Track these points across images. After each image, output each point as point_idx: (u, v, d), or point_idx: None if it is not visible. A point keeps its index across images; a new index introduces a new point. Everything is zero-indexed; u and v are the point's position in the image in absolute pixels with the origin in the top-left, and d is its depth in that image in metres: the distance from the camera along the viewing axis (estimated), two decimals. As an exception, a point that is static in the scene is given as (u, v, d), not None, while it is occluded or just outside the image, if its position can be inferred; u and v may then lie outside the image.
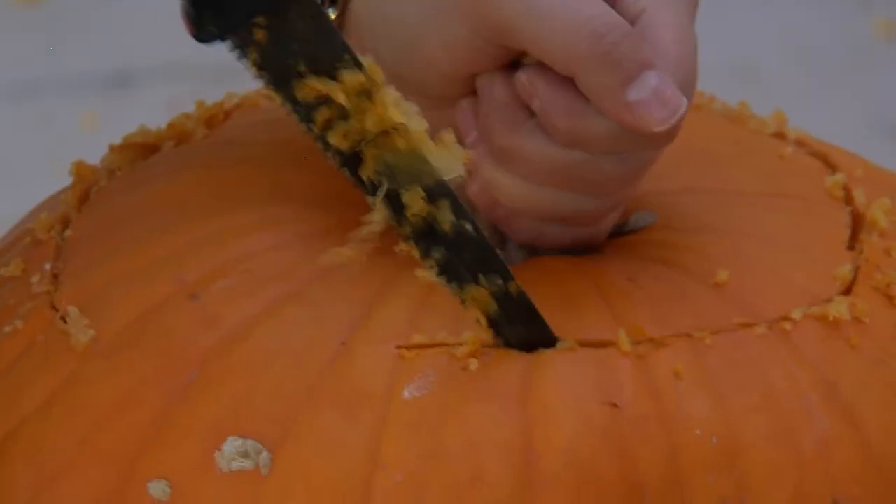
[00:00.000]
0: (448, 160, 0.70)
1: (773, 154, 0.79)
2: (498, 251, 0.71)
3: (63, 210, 0.76)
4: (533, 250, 0.73)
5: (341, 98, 0.72)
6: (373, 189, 0.71)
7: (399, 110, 0.70)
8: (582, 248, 0.72)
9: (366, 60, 0.72)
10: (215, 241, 0.70)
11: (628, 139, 0.70)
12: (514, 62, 0.71)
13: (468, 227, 0.70)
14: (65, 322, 0.68)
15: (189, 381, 0.65)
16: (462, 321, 0.66)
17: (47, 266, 0.72)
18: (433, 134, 0.71)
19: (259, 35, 0.73)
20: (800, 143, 0.78)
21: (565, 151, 0.70)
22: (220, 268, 0.68)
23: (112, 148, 0.77)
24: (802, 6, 1.71)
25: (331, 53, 0.73)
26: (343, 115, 0.72)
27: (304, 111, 0.72)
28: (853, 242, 0.70)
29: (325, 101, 0.73)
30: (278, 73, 0.73)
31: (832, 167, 0.76)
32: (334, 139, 0.71)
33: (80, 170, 0.77)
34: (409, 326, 0.65)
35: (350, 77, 0.72)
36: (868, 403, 0.66)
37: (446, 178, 0.70)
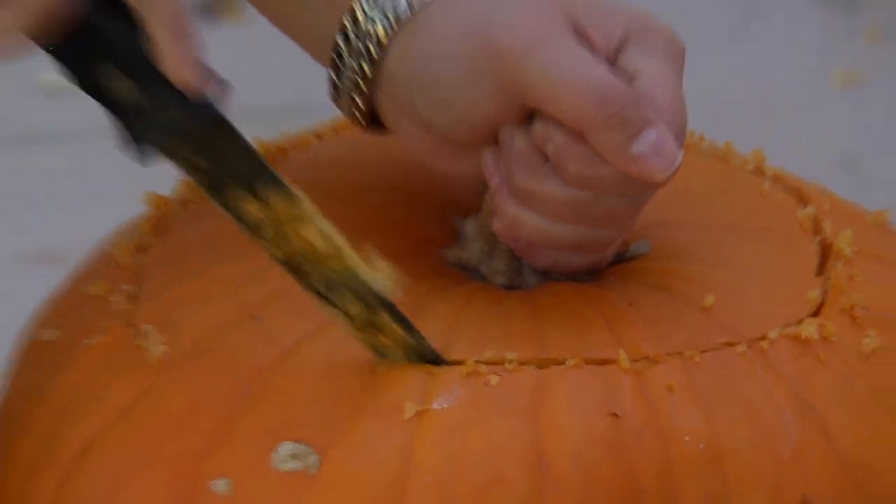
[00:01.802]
0: (381, 280, 0.70)
1: (754, 190, 0.79)
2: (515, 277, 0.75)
3: (140, 237, 0.75)
4: (545, 275, 0.72)
5: (268, 222, 0.72)
6: (317, 293, 0.71)
7: (327, 241, 0.70)
8: (588, 273, 0.72)
9: (297, 190, 0.71)
10: (275, 267, 0.70)
11: (632, 183, 0.70)
12: (530, 115, 0.72)
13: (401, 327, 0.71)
14: (141, 338, 0.68)
15: (249, 392, 0.64)
16: (484, 342, 0.65)
17: (126, 287, 0.71)
18: (457, 173, 0.76)
19: (187, 154, 0.73)
20: (776, 178, 0.79)
21: (576, 192, 0.70)
22: (279, 291, 0.68)
23: (184, 181, 0.77)
24: (773, 60, 1.68)
25: (256, 175, 0.73)
26: (274, 233, 0.71)
27: (240, 222, 0.71)
28: (822, 269, 0.70)
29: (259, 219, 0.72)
30: (213, 186, 0.72)
31: (804, 201, 0.76)
32: (270, 250, 0.71)
33: (153, 200, 0.76)
34: (442, 342, 0.67)
35: (279, 203, 0.71)
36: (836, 413, 0.66)
37: (383, 293, 0.70)
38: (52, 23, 0.72)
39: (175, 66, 0.70)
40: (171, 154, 0.70)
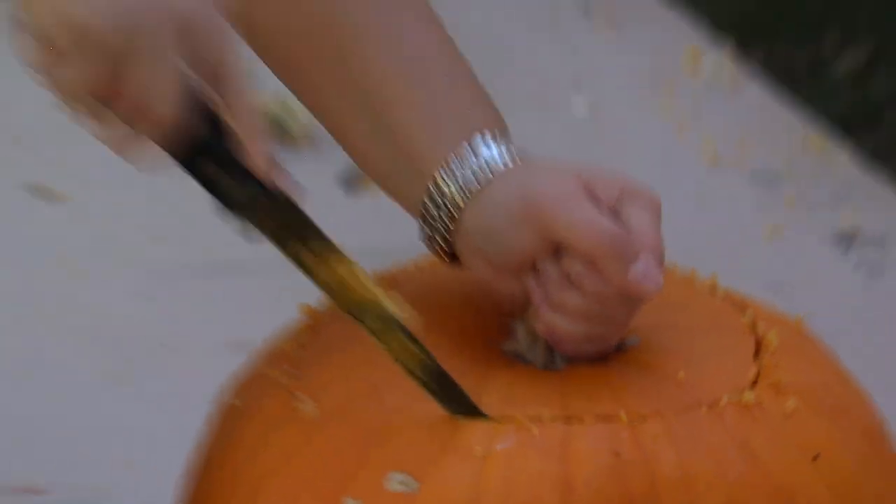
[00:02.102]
0: (398, 307, 0.76)
1: (710, 302, 0.85)
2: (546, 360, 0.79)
3: (299, 334, 0.82)
4: (569, 359, 0.78)
5: (323, 272, 0.77)
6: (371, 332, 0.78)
7: (364, 284, 0.77)
8: (598, 357, 0.77)
9: (339, 246, 0.77)
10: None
11: (628, 297, 0.76)
12: (558, 250, 0.78)
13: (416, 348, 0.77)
14: (298, 402, 0.74)
15: (371, 440, 0.72)
16: (528, 403, 0.73)
17: (288, 369, 0.78)
18: (507, 296, 0.81)
19: (262, 219, 0.77)
20: (726, 295, 0.85)
21: (590, 304, 0.75)
22: (389, 373, 0.75)
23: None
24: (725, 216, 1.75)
25: (311, 235, 0.77)
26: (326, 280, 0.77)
27: (303, 270, 0.77)
28: (756, 356, 0.77)
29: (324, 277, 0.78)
30: (280, 243, 0.77)
31: (744, 310, 0.82)
32: (330, 296, 0.78)
33: (308, 310, 0.84)
34: (501, 405, 0.73)
35: (329, 255, 0.77)
36: (766, 451, 0.74)
37: (399, 316, 0.76)
38: (175, 134, 0.75)
39: (255, 161, 0.74)
40: (251, 219, 0.75)
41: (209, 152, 0.74)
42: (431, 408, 0.73)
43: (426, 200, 0.78)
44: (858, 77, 2.52)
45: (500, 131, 0.79)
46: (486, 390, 0.72)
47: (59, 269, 1.59)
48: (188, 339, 1.42)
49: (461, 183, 0.78)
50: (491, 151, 0.78)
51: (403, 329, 0.74)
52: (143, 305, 1.52)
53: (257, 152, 0.75)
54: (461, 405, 0.76)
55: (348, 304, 0.74)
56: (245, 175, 0.74)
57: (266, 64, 0.87)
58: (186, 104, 0.73)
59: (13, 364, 1.41)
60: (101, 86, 0.73)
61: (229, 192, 0.74)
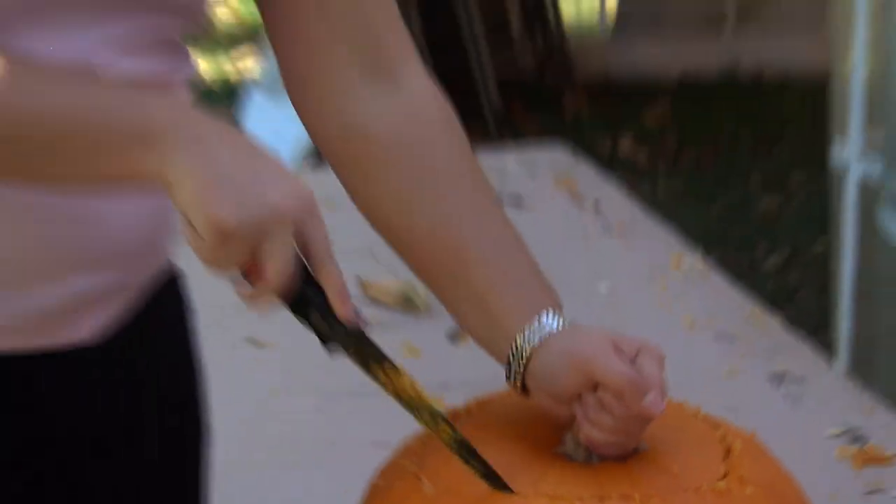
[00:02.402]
0: (438, 405, 0.80)
1: (695, 422, 0.90)
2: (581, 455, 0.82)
3: (423, 437, 0.85)
4: (602, 458, 0.82)
5: (392, 384, 0.79)
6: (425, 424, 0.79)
7: (418, 392, 0.79)
8: (621, 457, 0.82)
9: (400, 366, 0.79)
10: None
11: (640, 418, 0.80)
12: (596, 386, 0.80)
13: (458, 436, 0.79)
14: (421, 483, 0.79)
15: None
16: (572, 486, 0.78)
17: (415, 459, 0.83)
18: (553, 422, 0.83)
19: (348, 348, 0.78)
20: (705, 418, 0.89)
21: (617, 422, 0.80)
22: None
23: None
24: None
25: (381, 358, 0.78)
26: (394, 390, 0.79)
27: (381, 386, 0.79)
28: (725, 458, 0.83)
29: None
30: (361, 363, 0.78)
31: (717, 428, 0.87)
32: (398, 399, 0.79)
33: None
34: (556, 486, 0.78)
35: (392, 372, 0.79)
36: None
37: (440, 410, 0.80)
38: (287, 292, 0.72)
39: (341, 309, 0.76)
40: (341, 349, 0.78)
41: (310, 304, 0.76)
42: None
43: (510, 354, 0.82)
44: (780, 272, 2.88)
45: (557, 307, 0.83)
46: (544, 477, 0.79)
47: (263, 393, 1.70)
48: (347, 440, 1.54)
49: (533, 344, 0.82)
50: (551, 323, 0.81)
51: (445, 419, 0.80)
52: (317, 416, 1.62)
53: (343, 304, 0.76)
54: (493, 477, 0.78)
55: (408, 404, 0.79)
56: (335, 319, 0.77)
57: (395, 251, 0.88)
58: (296, 272, 0.74)
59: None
60: (241, 263, 0.71)
61: (325, 331, 0.77)
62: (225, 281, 0.76)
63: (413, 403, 0.79)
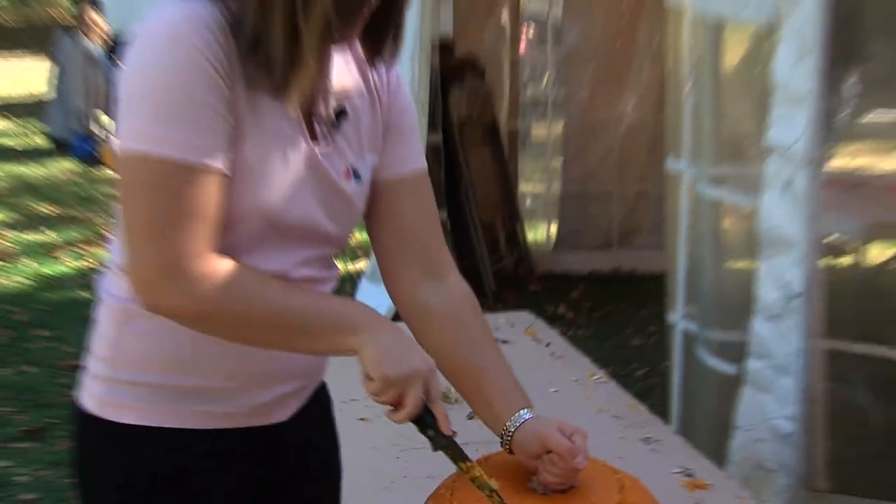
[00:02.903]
0: (492, 482, 0.93)
1: (603, 469, 1.05)
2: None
3: (450, 482, 1.02)
4: (552, 491, 0.97)
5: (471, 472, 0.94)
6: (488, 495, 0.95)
7: (480, 471, 0.94)
8: (563, 490, 0.98)
9: (475, 464, 0.93)
10: None
11: (576, 469, 0.99)
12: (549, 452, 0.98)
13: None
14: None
15: None
16: None
17: (450, 489, 1.00)
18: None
19: (444, 447, 0.92)
20: (607, 466, 1.05)
21: (562, 471, 0.97)
22: None
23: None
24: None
25: (463, 457, 0.92)
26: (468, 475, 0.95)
27: (462, 471, 0.94)
28: (620, 490, 0.99)
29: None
30: (452, 458, 0.93)
31: (616, 472, 1.03)
32: (474, 482, 0.96)
33: (456, 477, 1.02)
34: None
35: (467, 465, 0.93)
36: None
37: (493, 485, 0.94)
38: (416, 417, 0.90)
39: (444, 428, 0.94)
40: (441, 449, 0.92)
41: (426, 423, 0.92)
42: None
43: (502, 433, 1.02)
44: (643, 380, 3.32)
45: (528, 405, 1.04)
46: (521, 501, 0.98)
47: (367, 448, 1.76)
48: (413, 475, 1.66)
49: (514, 427, 1.02)
50: (525, 415, 1.02)
51: (495, 492, 0.95)
52: (397, 460, 1.73)
53: (445, 425, 0.94)
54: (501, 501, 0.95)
55: (476, 483, 0.96)
56: (440, 432, 0.92)
57: (441, 372, 1.00)
58: (422, 406, 0.90)
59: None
60: (392, 398, 0.91)
61: (434, 439, 0.93)
62: (370, 401, 0.91)
63: (479, 481, 0.94)
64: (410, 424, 0.93)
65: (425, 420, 0.91)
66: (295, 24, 0.82)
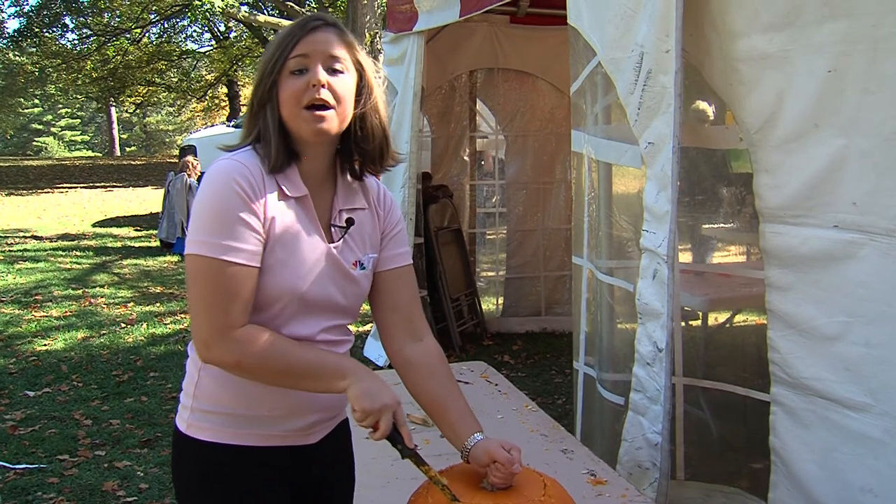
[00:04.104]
0: (444, 480, 0.91)
1: (532, 475, 1.03)
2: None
3: (430, 484, 0.99)
4: (498, 489, 0.97)
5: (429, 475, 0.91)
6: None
7: (436, 473, 0.91)
8: (504, 488, 0.98)
9: (433, 469, 0.90)
10: None
11: (514, 473, 0.99)
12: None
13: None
14: (428, 497, 0.96)
15: None
16: (484, 500, 0.93)
17: (426, 490, 0.98)
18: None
19: (408, 456, 0.90)
20: (533, 473, 1.03)
21: (505, 475, 0.96)
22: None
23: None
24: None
25: (422, 462, 0.87)
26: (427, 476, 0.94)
27: (422, 471, 0.92)
28: (544, 489, 0.96)
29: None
30: (414, 463, 0.89)
31: (542, 476, 1.01)
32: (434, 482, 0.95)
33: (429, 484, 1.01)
34: (478, 500, 0.91)
35: (426, 468, 0.91)
36: None
37: (444, 482, 0.92)
38: (388, 435, 0.91)
39: (409, 443, 0.93)
40: (407, 457, 0.89)
41: (396, 440, 0.92)
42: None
43: (461, 450, 1.01)
44: (562, 408, 2.98)
45: (480, 430, 1.04)
46: (473, 497, 0.98)
47: (369, 458, 1.64)
48: (399, 478, 1.60)
49: (471, 445, 1.01)
50: (478, 437, 1.02)
51: (446, 486, 0.96)
52: (390, 467, 1.62)
53: (409, 441, 0.94)
54: (455, 498, 0.94)
55: (433, 480, 0.96)
56: (406, 446, 0.92)
57: (420, 404, 1.03)
58: (393, 428, 0.90)
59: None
60: (371, 424, 0.92)
61: (402, 451, 0.93)
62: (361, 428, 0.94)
63: (432, 478, 0.96)
64: (386, 441, 0.94)
65: (395, 438, 0.92)
66: (276, 133, 0.94)
